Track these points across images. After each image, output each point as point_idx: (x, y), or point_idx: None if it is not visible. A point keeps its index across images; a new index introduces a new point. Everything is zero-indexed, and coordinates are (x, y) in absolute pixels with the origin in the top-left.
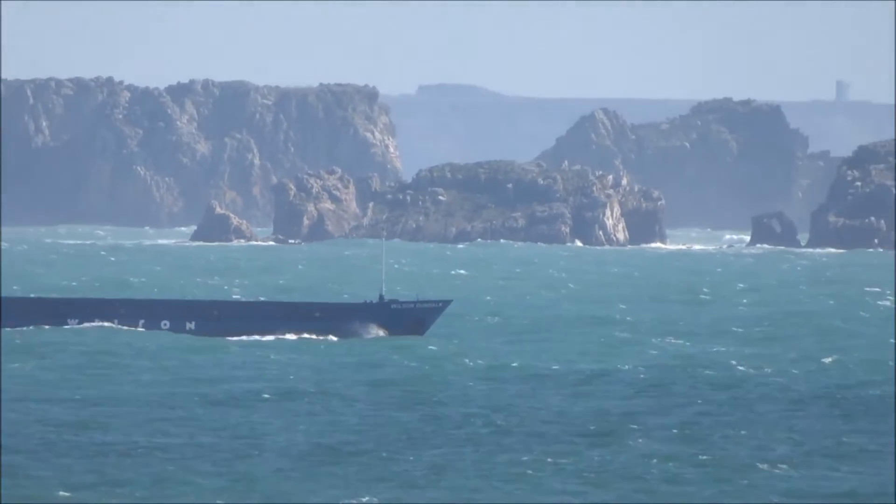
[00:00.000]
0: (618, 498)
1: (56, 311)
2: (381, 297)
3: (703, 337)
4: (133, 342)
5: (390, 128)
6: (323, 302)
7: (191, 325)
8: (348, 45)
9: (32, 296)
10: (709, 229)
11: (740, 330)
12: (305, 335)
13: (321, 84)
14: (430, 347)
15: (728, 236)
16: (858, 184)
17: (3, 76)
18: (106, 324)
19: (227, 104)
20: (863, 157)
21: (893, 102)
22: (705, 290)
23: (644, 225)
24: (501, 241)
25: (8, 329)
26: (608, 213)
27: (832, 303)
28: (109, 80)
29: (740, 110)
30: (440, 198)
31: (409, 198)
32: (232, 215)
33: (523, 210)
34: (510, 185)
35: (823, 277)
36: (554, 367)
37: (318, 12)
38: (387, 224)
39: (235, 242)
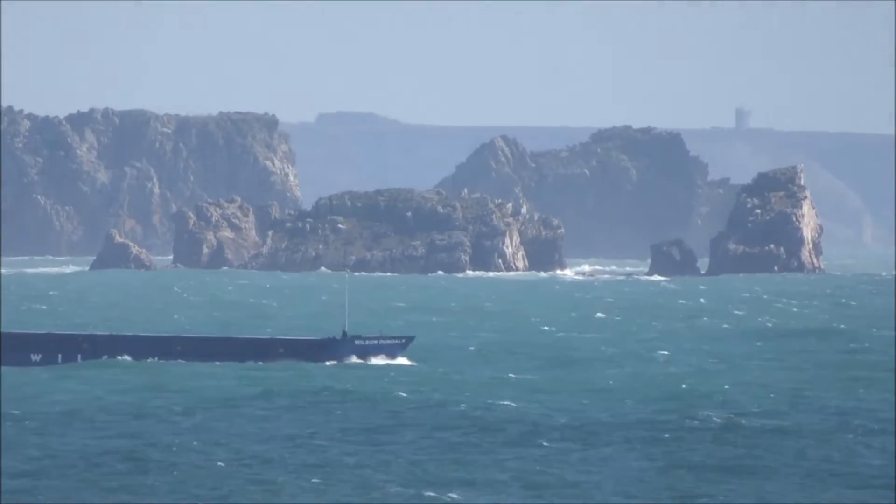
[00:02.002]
0: None
1: (19, 345)
2: (344, 332)
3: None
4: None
5: (290, 156)
6: (287, 338)
7: (153, 360)
8: (248, 72)
9: None
10: (609, 257)
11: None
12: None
13: (221, 112)
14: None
15: (628, 267)
16: (758, 211)
17: None
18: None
19: (126, 133)
20: (762, 185)
21: (794, 130)
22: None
23: (544, 253)
24: (378, 273)
25: None
26: (507, 241)
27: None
28: (9, 109)
29: (640, 138)
30: (339, 226)
31: (308, 226)
32: (131, 244)
33: (423, 238)
34: (409, 214)
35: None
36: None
37: (217, 40)
38: (286, 252)
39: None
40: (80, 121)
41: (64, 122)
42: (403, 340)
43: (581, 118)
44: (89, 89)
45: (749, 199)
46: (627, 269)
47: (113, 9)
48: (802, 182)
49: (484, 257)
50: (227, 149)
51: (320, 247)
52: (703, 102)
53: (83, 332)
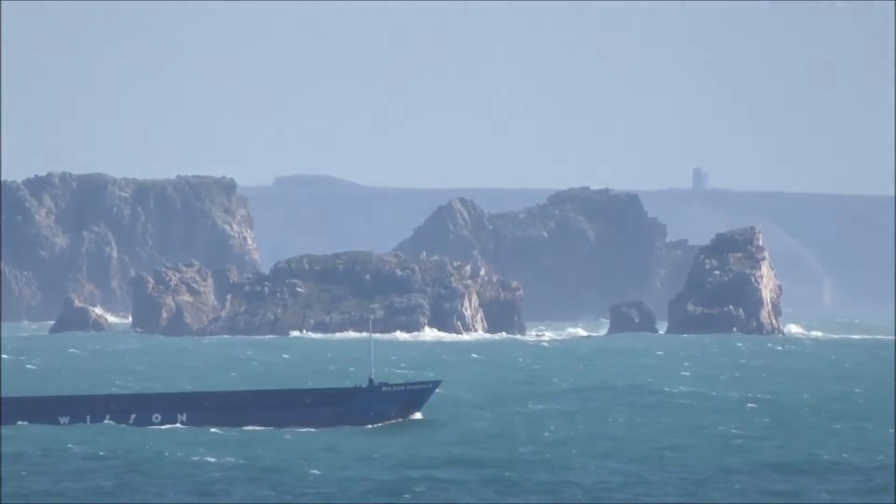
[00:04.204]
0: None
1: (47, 409)
2: (370, 380)
3: None
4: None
5: (248, 220)
6: (314, 388)
7: (182, 418)
8: (205, 136)
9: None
10: (568, 319)
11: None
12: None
13: (179, 176)
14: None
15: (580, 330)
16: (717, 272)
17: None
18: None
19: (84, 197)
20: (721, 246)
21: (751, 190)
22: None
23: (503, 315)
24: (338, 334)
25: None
26: (466, 303)
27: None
28: None
29: (597, 199)
30: (298, 289)
31: (266, 289)
32: (91, 308)
33: (381, 301)
34: (368, 276)
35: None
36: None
37: (173, 103)
38: (245, 315)
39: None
40: (37, 185)
41: (21, 187)
42: (430, 385)
43: (538, 180)
44: (46, 154)
45: (707, 260)
46: (581, 332)
47: (69, 74)
48: (761, 243)
49: (443, 319)
50: (185, 212)
51: (279, 310)
52: (660, 163)
53: (110, 393)
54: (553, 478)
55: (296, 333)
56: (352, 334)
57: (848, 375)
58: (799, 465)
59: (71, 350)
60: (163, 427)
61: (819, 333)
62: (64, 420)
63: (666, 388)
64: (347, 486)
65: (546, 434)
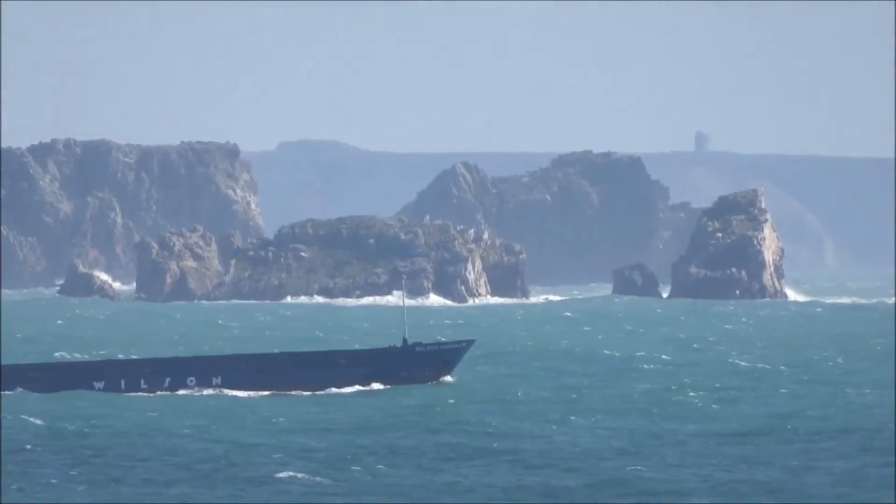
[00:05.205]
0: None
1: (81, 374)
2: (404, 340)
3: None
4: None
5: (252, 184)
6: (348, 349)
7: (217, 381)
8: (208, 102)
9: (55, 361)
10: (572, 283)
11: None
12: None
13: (182, 142)
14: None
15: (574, 292)
16: (719, 234)
17: None
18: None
19: (88, 163)
20: (723, 208)
21: (753, 153)
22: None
23: (506, 279)
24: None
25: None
26: (470, 267)
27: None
28: None
29: (600, 162)
30: (302, 254)
31: (270, 254)
32: (95, 273)
33: (385, 265)
34: (372, 241)
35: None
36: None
37: (176, 69)
38: (249, 281)
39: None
40: (42, 151)
41: (26, 154)
42: (464, 345)
43: (541, 144)
44: (50, 121)
45: (710, 223)
46: (577, 294)
47: (72, 41)
48: (763, 205)
49: (447, 284)
50: (188, 178)
51: (283, 275)
52: (662, 127)
53: (144, 357)
54: (516, 445)
55: (302, 299)
56: (350, 301)
57: (834, 342)
58: (773, 429)
59: (58, 321)
60: (169, 392)
61: (816, 298)
62: (99, 385)
63: (639, 354)
64: (298, 455)
65: (507, 397)
